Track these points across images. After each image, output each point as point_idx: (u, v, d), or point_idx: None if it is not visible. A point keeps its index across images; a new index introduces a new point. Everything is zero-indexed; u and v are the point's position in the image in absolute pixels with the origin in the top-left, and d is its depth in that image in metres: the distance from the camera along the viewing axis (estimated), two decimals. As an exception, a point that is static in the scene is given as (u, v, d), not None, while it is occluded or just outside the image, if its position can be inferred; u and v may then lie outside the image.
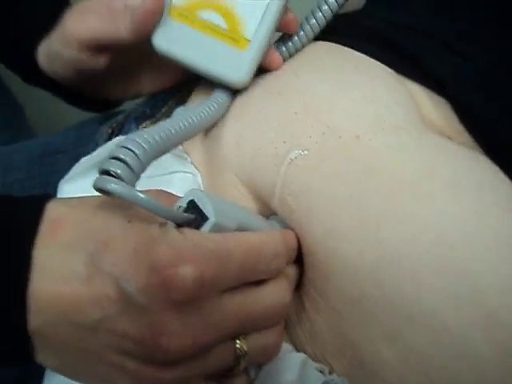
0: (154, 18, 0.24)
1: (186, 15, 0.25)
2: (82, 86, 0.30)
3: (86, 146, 0.37)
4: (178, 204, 0.20)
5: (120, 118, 0.34)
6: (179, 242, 0.18)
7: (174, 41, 0.26)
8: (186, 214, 0.19)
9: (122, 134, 0.32)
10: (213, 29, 0.25)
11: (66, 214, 0.19)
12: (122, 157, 0.19)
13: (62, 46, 0.26)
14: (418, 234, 0.19)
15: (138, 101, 0.36)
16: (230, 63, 0.26)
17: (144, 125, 0.32)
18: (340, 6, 0.27)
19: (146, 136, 0.21)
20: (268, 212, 0.26)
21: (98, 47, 0.26)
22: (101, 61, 0.27)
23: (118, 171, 0.19)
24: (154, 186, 0.27)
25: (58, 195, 0.29)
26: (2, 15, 0.32)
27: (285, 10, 0.26)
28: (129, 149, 0.20)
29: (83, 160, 0.28)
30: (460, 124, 0.25)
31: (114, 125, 0.33)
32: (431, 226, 0.19)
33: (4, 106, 0.53)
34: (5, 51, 0.33)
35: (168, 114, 0.32)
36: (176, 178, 0.27)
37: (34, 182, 0.37)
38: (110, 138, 0.33)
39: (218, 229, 0.19)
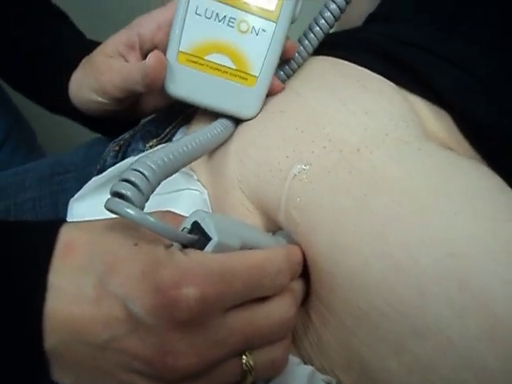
0: (161, 74, 0.26)
1: (195, 60, 0.26)
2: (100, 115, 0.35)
3: (94, 165, 0.38)
4: (183, 225, 0.21)
5: (127, 136, 0.35)
6: (184, 263, 0.19)
7: (185, 85, 0.27)
8: (190, 236, 0.20)
9: (129, 152, 0.33)
10: (221, 70, 0.27)
11: (78, 238, 0.20)
12: (132, 179, 0.20)
13: (94, 94, 0.32)
14: (424, 246, 0.19)
15: (144, 120, 0.37)
16: (240, 100, 0.27)
17: (150, 143, 0.33)
18: (331, 27, 0.28)
19: (155, 158, 0.21)
20: (274, 227, 0.27)
21: (120, 98, 0.31)
22: (119, 103, 0.32)
23: (128, 193, 0.20)
24: (162, 203, 0.27)
25: (69, 213, 0.30)
26: (34, 57, 0.37)
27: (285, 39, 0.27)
28: (138, 171, 0.21)
29: (93, 179, 0.29)
30: (460, 134, 0.25)
31: (122, 142, 0.34)
32: (438, 238, 0.19)
33: (18, 130, 0.55)
34: (35, 89, 0.39)
35: (173, 133, 0.33)
36: (183, 195, 0.28)
37: (45, 202, 0.38)
38: (117, 156, 0.33)
39: (221, 248, 0.20)
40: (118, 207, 0.19)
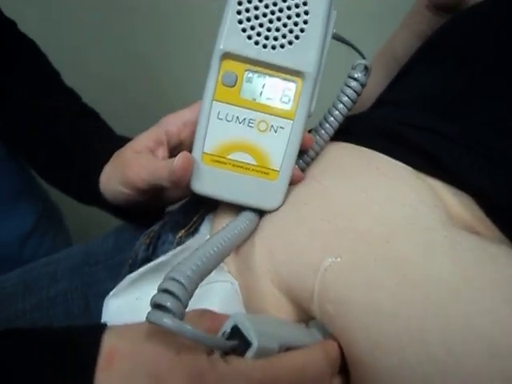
0: (187, 173, 0.28)
1: (218, 159, 0.28)
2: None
3: (123, 254, 0.39)
4: (223, 329, 0.21)
5: (156, 227, 0.36)
6: (227, 374, 0.19)
7: (210, 183, 0.29)
8: (229, 342, 0.20)
9: (159, 245, 0.34)
10: (243, 167, 0.28)
11: (120, 347, 0.20)
12: (170, 289, 0.21)
13: (122, 187, 0.33)
14: (467, 345, 0.19)
15: (171, 208, 0.38)
16: (264, 194, 0.28)
17: (180, 234, 0.34)
18: (344, 116, 0.30)
19: (189, 264, 0.22)
20: (306, 315, 0.27)
21: (146, 190, 0.32)
22: (144, 195, 0.33)
23: (168, 304, 0.20)
24: (195, 297, 0.28)
25: (104, 310, 0.31)
26: (67, 154, 0.41)
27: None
28: (175, 280, 0.21)
29: (127, 277, 0.30)
30: (483, 214, 0.25)
31: (152, 234, 0.35)
32: (482, 336, 0.19)
33: (48, 213, 0.58)
34: (68, 183, 0.42)
35: (200, 222, 0.34)
36: (215, 288, 0.28)
37: (77, 294, 0.38)
38: (148, 249, 0.34)
39: (261, 352, 0.20)
40: (157, 319, 0.20)
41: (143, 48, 0.79)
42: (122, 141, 0.36)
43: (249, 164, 0.28)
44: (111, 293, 0.31)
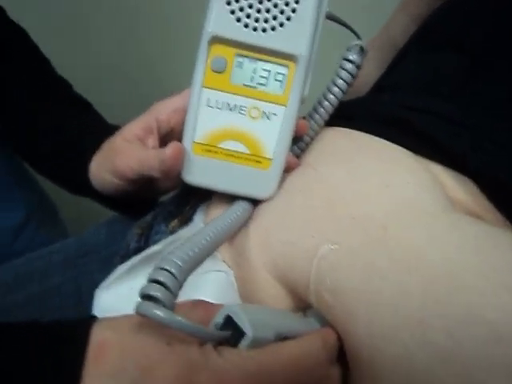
0: (178, 163, 0.27)
1: (209, 149, 0.28)
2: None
3: (116, 245, 0.38)
4: (216, 320, 0.21)
5: (149, 218, 0.35)
6: (219, 366, 0.18)
7: (201, 173, 0.28)
8: (223, 333, 0.20)
9: (152, 235, 0.34)
10: (235, 156, 0.28)
11: (110, 339, 0.20)
12: (161, 279, 0.20)
13: (111, 176, 0.33)
14: (469, 330, 0.19)
15: (163, 199, 0.38)
16: (257, 183, 0.28)
17: (172, 224, 0.33)
18: (339, 99, 0.29)
19: (180, 254, 0.22)
20: (304, 305, 0.26)
21: (136, 180, 0.32)
22: (133, 185, 0.33)
23: (158, 294, 0.20)
24: (189, 287, 0.27)
25: (95, 303, 0.30)
26: (59, 145, 0.40)
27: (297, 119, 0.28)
28: (166, 270, 0.21)
29: (118, 268, 0.29)
30: (485, 199, 0.25)
31: (144, 225, 0.35)
32: (484, 321, 0.19)
33: (43, 206, 0.57)
34: (60, 175, 0.42)
35: (193, 211, 0.34)
36: (210, 277, 0.28)
37: (70, 286, 0.38)
38: (140, 240, 0.34)
39: (256, 342, 0.20)
40: (147, 311, 0.19)
41: (146, 49, 0.78)
42: (114, 129, 0.35)
43: (241, 153, 0.28)
44: (102, 284, 0.30)
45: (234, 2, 0.25)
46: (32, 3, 0.73)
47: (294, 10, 0.25)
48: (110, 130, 0.36)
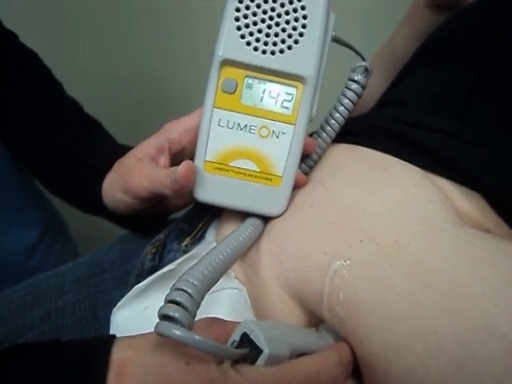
0: (190, 182, 0.28)
1: (220, 167, 0.28)
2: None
3: (130, 262, 0.39)
4: (232, 338, 0.21)
5: (161, 236, 0.36)
6: (238, 383, 0.19)
7: (213, 191, 0.29)
8: (240, 351, 0.20)
9: (165, 254, 0.34)
10: (246, 174, 0.28)
11: (130, 358, 0.20)
12: (178, 299, 0.21)
13: (123, 195, 0.34)
14: (480, 340, 0.19)
15: (175, 216, 0.38)
16: (267, 200, 0.28)
17: (185, 242, 0.34)
18: (345, 118, 0.30)
19: (195, 274, 0.22)
20: (316, 320, 0.27)
21: (148, 198, 0.32)
22: (147, 204, 0.34)
23: (176, 315, 0.20)
24: (204, 305, 0.28)
25: (112, 322, 0.30)
26: (71, 164, 0.41)
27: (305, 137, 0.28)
28: (182, 290, 0.21)
29: (134, 288, 0.30)
30: (494, 213, 0.25)
31: (157, 244, 0.35)
32: (498, 333, 0.19)
33: (55, 225, 0.58)
34: (72, 193, 0.43)
35: (205, 229, 0.34)
36: (223, 295, 0.28)
37: (85, 305, 0.38)
38: (154, 258, 0.34)
39: (273, 359, 0.20)
40: (166, 330, 0.20)
41: (147, 49, 0.79)
42: (124, 149, 0.36)
43: (251, 171, 0.28)
44: (118, 304, 0.31)
45: (243, 28, 0.26)
46: (39, 23, 0.75)
47: (301, 34, 0.26)
48: (120, 149, 0.37)
